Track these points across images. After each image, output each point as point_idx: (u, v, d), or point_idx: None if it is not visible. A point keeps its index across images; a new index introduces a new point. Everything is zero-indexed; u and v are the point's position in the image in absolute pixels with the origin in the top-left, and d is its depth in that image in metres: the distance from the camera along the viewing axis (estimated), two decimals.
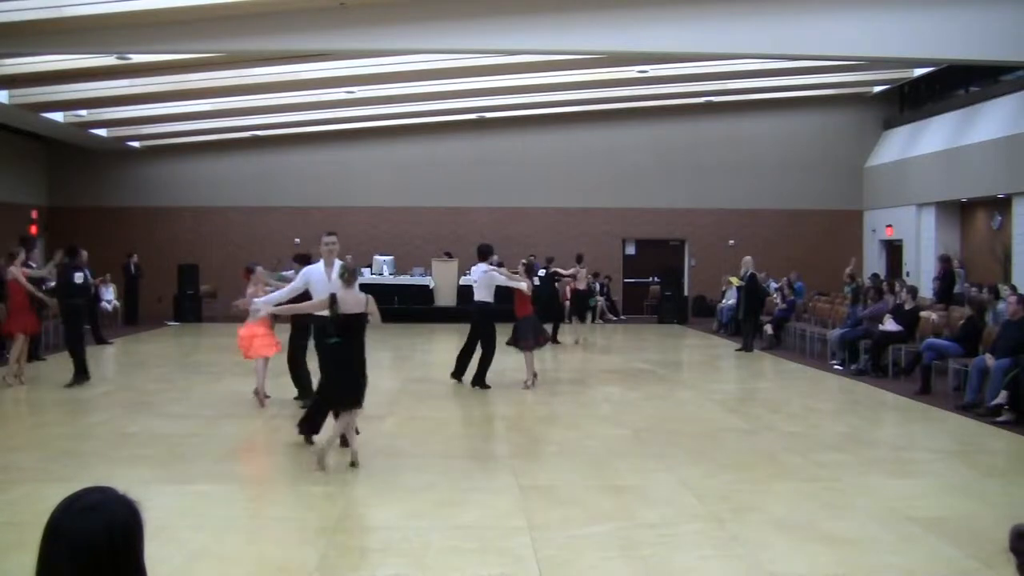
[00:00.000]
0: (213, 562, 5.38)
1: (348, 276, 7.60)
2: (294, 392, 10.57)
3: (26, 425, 9.93)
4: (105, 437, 8.98)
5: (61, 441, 8.77)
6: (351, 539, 5.76)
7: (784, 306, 18.28)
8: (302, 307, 8.18)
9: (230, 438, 9.04)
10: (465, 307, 15.24)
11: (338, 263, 8.52)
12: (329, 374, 7.81)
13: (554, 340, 17.28)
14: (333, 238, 8.74)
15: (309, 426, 8.45)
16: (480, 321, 12.16)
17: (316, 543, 5.62)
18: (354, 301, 7.49)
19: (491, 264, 12.45)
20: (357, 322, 7.51)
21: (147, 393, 11.65)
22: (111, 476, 6.93)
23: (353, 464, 7.55)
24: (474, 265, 13.08)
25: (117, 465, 7.69)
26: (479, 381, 12.04)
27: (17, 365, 12.05)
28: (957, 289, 17.29)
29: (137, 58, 14.98)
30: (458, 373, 12.48)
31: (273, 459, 8.62)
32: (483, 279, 12.25)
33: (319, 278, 8.52)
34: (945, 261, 17.79)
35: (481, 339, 12.11)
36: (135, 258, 21.92)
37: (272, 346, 10.36)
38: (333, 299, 7.41)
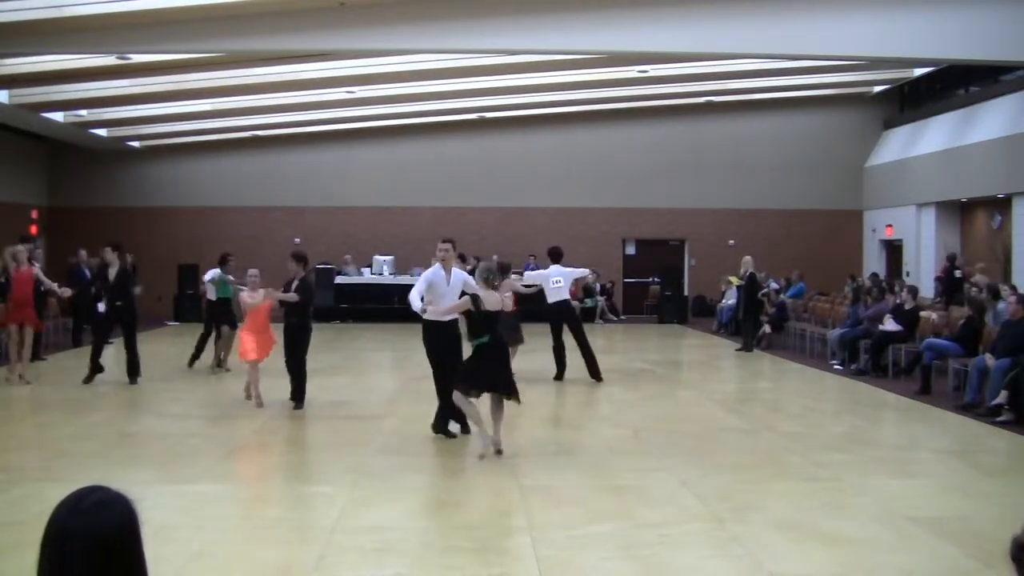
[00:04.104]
0: (213, 562, 5.38)
1: (491, 277, 8.20)
2: (286, 394, 10.53)
3: (26, 425, 9.93)
4: (105, 437, 8.98)
5: (61, 441, 8.77)
6: (351, 539, 5.75)
7: (773, 308, 18.28)
8: (453, 307, 8.45)
9: (230, 438, 9.04)
10: None
11: (483, 264, 9.21)
12: (473, 365, 8.03)
13: None
14: (448, 245, 8.90)
15: (443, 423, 8.77)
16: (568, 318, 12.85)
17: (316, 543, 5.62)
18: (494, 300, 8.04)
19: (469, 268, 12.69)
20: (496, 319, 8.04)
21: (147, 393, 11.64)
22: (111, 476, 6.93)
23: (498, 452, 7.89)
24: (549, 267, 13.18)
25: (117, 465, 7.69)
26: (596, 375, 12.67)
27: (19, 362, 11.99)
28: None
29: (137, 58, 14.98)
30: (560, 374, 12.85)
31: (273, 459, 8.63)
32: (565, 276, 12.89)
33: (440, 281, 8.68)
34: (949, 259, 17.80)
35: (576, 336, 12.73)
36: (130, 258, 21.91)
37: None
38: (476, 299, 7.95)
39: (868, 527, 6.04)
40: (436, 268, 8.74)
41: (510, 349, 12.75)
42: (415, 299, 8.40)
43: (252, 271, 10.67)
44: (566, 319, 12.86)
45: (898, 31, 12.93)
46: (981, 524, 6.12)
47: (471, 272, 12.79)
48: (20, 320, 12.16)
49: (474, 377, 7.90)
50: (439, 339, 8.70)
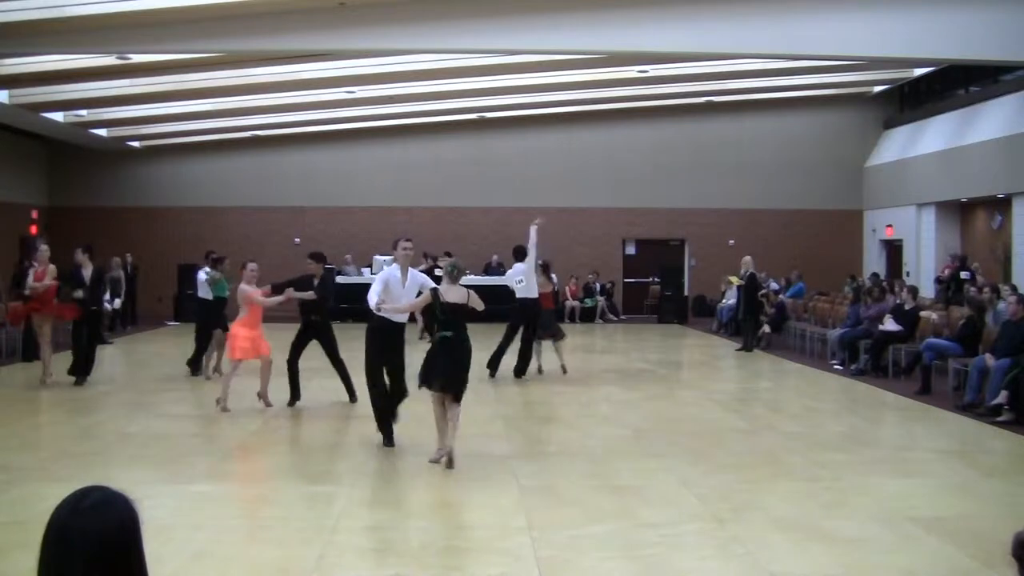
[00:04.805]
0: (213, 562, 5.37)
1: (456, 273, 7.88)
2: (285, 394, 10.52)
3: (26, 425, 9.93)
4: (105, 437, 8.98)
5: (61, 441, 8.78)
6: (351, 539, 5.76)
7: (773, 309, 18.28)
8: (413, 305, 8.24)
9: (230, 438, 9.04)
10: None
11: (448, 260, 9.07)
12: (430, 358, 7.78)
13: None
14: (410, 243, 8.63)
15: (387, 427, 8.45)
16: (529, 317, 12.97)
17: (315, 543, 5.62)
18: (456, 296, 7.73)
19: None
20: (460, 314, 7.73)
21: (147, 393, 11.64)
22: (111, 476, 6.93)
23: (449, 463, 7.48)
24: (514, 265, 13.37)
25: (117, 465, 7.69)
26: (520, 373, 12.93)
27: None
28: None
29: (137, 58, 14.98)
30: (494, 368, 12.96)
31: (273, 459, 8.62)
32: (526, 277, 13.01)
33: (395, 282, 8.40)
34: (959, 261, 17.80)
35: (524, 333, 12.99)
36: (130, 258, 21.94)
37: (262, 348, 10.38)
38: (436, 292, 7.71)
39: (868, 527, 6.04)
40: (393, 269, 8.46)
41: (555, 344, 13.22)
42: (371, 299, 8.21)
43: (252, 264, 10.64)
44: (529, 317, 12.92)
45: (898, 31, 12.93)
46: (981, 524, 6.12)
47: (430, 271, 12.90)
48: (43, 313, 12.26)
49: (428, 371, 7.64)
50: (383, 340, 8.32)
